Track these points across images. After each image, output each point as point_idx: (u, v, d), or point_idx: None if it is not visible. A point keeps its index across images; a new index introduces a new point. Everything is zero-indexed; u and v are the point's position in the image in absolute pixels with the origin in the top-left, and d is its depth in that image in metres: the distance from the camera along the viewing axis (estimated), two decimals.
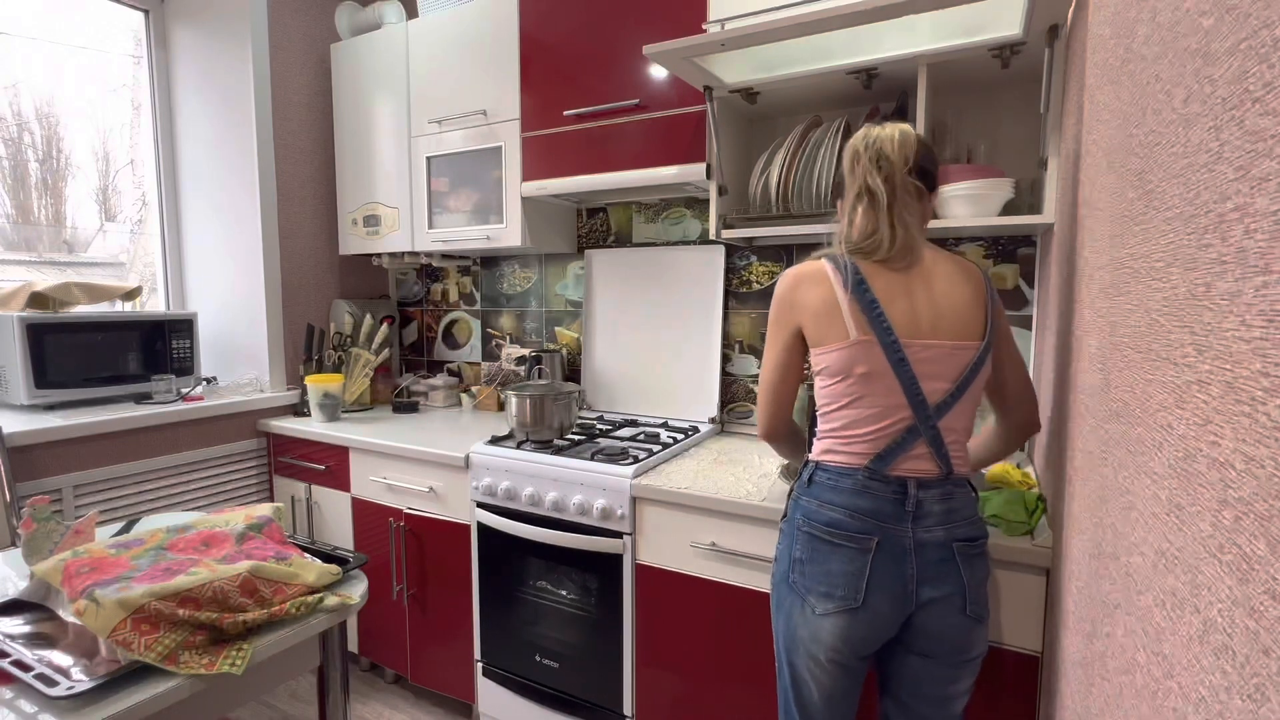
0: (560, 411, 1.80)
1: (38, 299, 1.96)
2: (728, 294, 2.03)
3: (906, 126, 1.06)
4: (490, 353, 2.56)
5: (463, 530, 1.84)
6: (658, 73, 1.73)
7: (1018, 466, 1.39)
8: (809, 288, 1.08)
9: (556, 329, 2.39)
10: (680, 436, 1.85)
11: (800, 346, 1.13)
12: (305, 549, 1.21)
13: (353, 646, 2.13)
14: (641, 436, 1.86)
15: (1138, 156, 0.62)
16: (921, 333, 1.02)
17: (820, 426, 1.11)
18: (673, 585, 1.51)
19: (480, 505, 1.77)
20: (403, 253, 2.34)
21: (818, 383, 1.11)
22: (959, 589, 1.01)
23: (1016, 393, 1.15)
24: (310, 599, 1.04)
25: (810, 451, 1.13)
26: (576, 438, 1.84)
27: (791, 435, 1.23)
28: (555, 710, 1.71)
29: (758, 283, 2.00)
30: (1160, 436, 0.50)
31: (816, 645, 1.05)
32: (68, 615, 0.97)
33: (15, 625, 0.98)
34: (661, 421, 2.04)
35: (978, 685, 1.20)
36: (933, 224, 1.41)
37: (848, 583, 1.01)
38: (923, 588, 1.01)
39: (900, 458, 1.02)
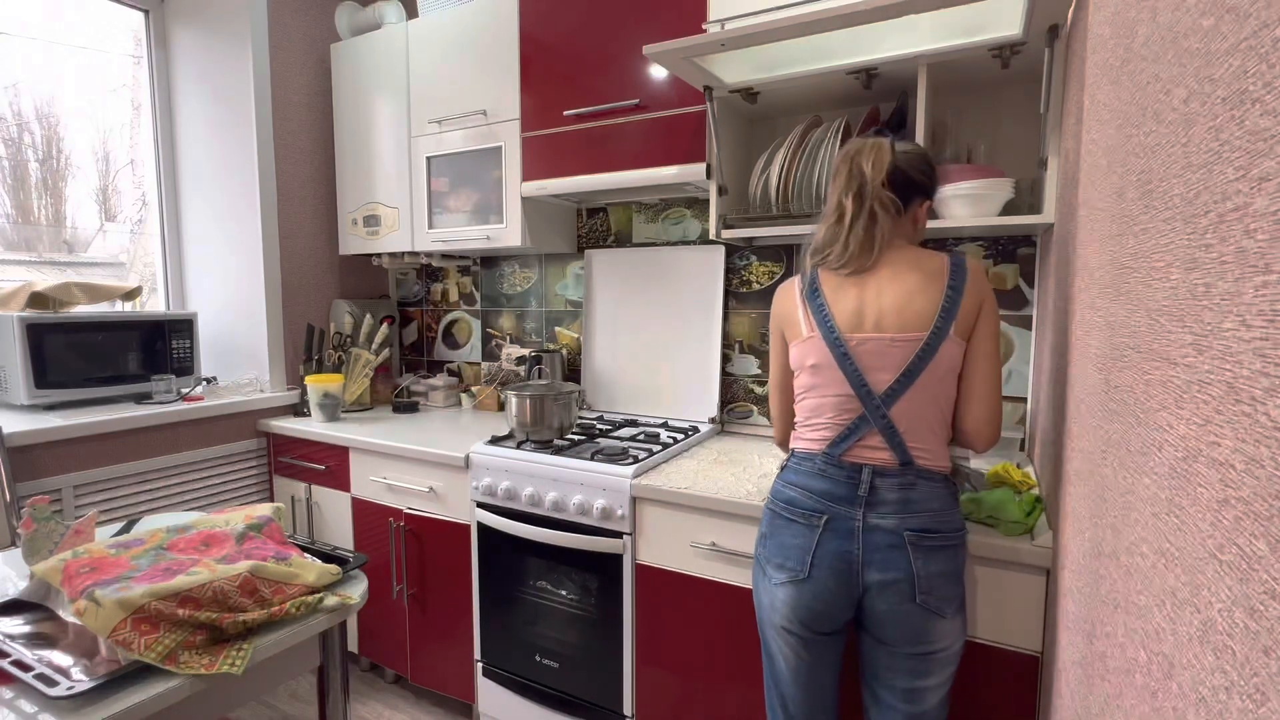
0: (560, 411, 1.80)
1: (38, 299, 1.96)
2: (728, 294, 2.03)
3: (884, 142, 1.13)
4: (490, 353, 2.56)
5: (463, 530, 1.84)
6: (658, 73, 1.73)
7: (1018, 466, 1.39)
8: (784, 298, 1.22)
9: (556, 329, 2.39)
10: (680, 436, 1.85)
11: (788, 353, 1.22)
12: (305, 549, 1.21)
13: (353, 646, 2.13)
14: (641, 436, 1.86)
15: (1138, 156, 0.62)
16: (864, 328, 1.09)
17: (794, 418, 1.21)
18: (673, 585, 1.51)
19: (480, 505, 1.77)
20: (403, 253, 2.34)
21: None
22: (906, 576, 1.04)
23: (976, 391, 1.09)
24: (310, 599, 1.04)
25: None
26: (576, 438, 1.84)
27: None
28: (555, 710, 1.71)
29: (758, 283, 2.00)
30: (1160, 436, 0.50)
31: (774, 613, 1.14)
32: (68, 615, 0.97)
33: (15, 625, 0.98)
34: (661, 421, 2.04)
35: (978, 685, 1.20)
36: (933, 224, 1.41)
37: (797, 556, 1.10)
38: (868, 570, 1.06)
39: (853, 445, 1.10)
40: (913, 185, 1.13)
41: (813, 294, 1.15)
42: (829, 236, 1.14)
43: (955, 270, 1.08)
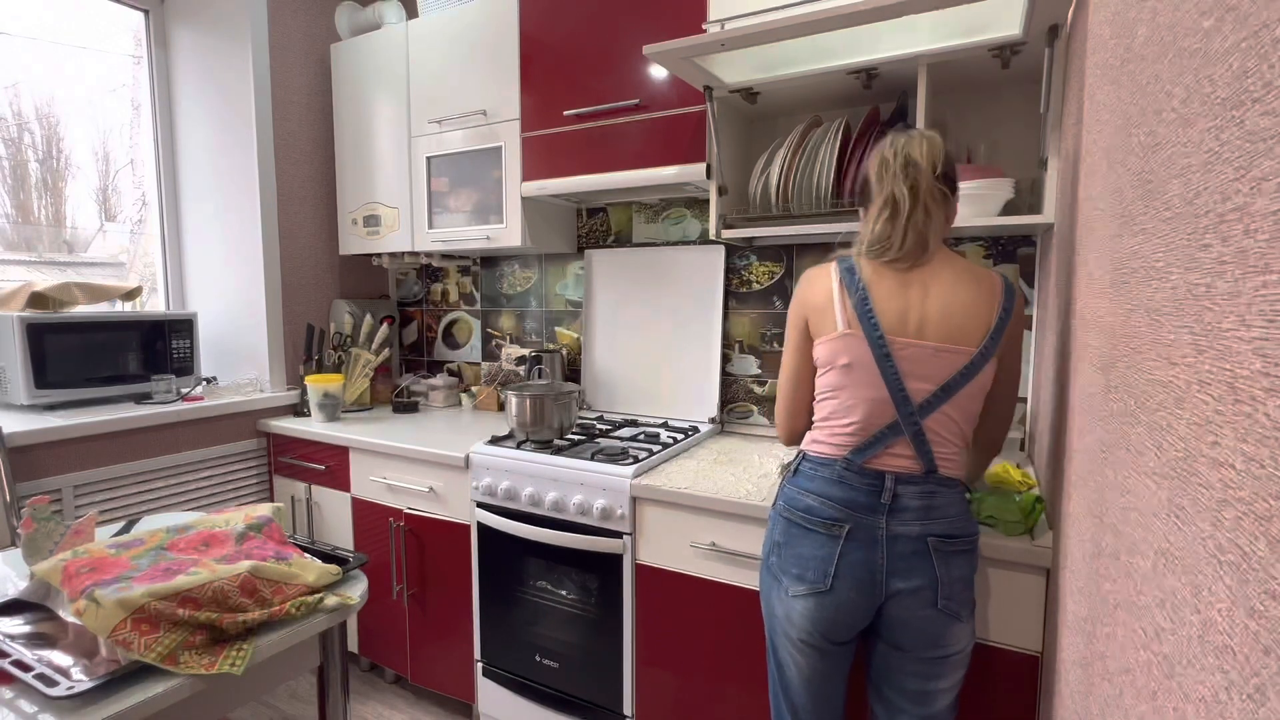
0: (560, 411, 1.80)
1: (38, 299, 1.96)
2: (728, 294, 2.03)
3: (934, 134, 1.08)
4: (490, 353, 2.56)
5: (463, 530, 1.84)
6: (658, 73, 1.73)
7: (1018, 466, 1.39)
8: (814, 285, 1.14)
9: (556, 329, 2.39)
10: (680, 436, 1.85)
11: (810, 347, 1.16)
12: (305, 549, 1.21)
13: (353, 646, 2.13)
14: (641, 436, 1.86)
15: (1137, 156, 0.62)
16: (906, 332, 1.05)
17: (813, 417, 1.16)
18: (673, 585, 1.51)
19: (480, 505, 1.77)
20: (403, 253, 2.34)
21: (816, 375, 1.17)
22: (930, 582, 1.03)
23: (996, 413, 1.16)
24: (310, 599, 1.04)
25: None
26: (576, 438, 1.84)
27: None
28: (555, 710, 1.71)
29: (758, 283, 1.99)
30: (1160, 436, 0.50)
31: (790, 626, 1.11)
32: (68, 615, 0.97)
33: (15, 625, 0.98)
34: (661, 421, 2.04)
35: (977, 685, 1.20)
36: None
37: (817, 567, 1.07)
38: (892, 579, 1.04)
39: (880, 452, 1.06)
40: (952, 182, 1.09)
41: (855, 285, 1.08)
42: (883, 231, 1.07)
43: (1008, 293, 1.07)
